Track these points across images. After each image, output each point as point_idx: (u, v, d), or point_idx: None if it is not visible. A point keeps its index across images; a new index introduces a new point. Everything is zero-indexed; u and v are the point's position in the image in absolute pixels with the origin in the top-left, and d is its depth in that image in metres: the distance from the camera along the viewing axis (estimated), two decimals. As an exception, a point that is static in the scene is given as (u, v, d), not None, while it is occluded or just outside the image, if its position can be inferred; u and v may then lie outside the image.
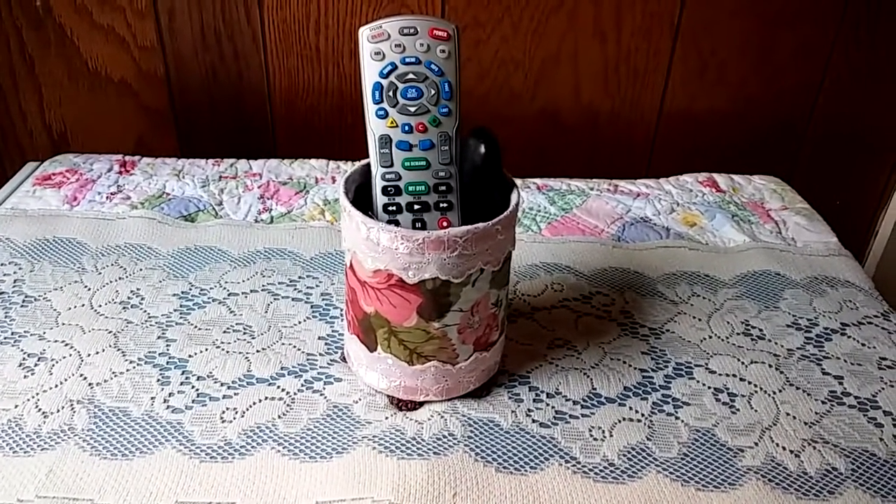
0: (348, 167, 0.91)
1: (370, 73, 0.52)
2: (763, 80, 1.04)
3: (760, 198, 0.91)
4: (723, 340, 0.67)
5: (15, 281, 0.69)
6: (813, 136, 1.08)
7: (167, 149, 1.07)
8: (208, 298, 0.69)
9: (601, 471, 0.54)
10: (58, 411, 0.56)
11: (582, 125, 1.06)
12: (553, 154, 1.09)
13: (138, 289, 0.69)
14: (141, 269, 0.72)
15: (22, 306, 0.66)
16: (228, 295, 0.69)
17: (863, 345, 0.67)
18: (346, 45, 1.00)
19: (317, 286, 0.71)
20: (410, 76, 0.52)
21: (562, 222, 0.84)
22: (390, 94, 0.52)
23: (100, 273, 0.71)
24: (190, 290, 0.70)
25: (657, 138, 1.08)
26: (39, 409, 0.56)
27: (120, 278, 0.71)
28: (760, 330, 0.68)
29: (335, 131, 1.07)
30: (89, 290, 0.69)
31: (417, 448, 0.54)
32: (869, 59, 1.03)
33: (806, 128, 1.08)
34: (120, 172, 0.89)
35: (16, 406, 0.56)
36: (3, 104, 1.05)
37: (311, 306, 0.68)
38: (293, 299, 0.69)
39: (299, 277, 0.72)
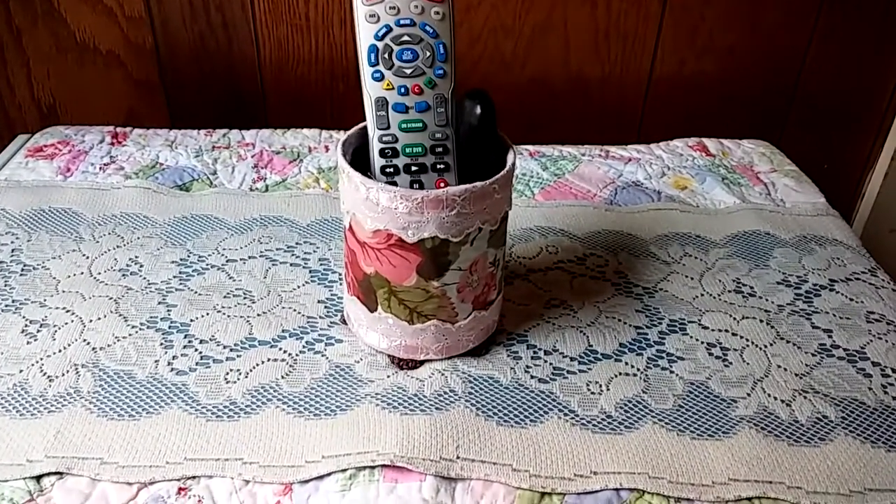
0: (342, 136, 0.91)
1: (365, 35, 0.52)
2: (751, 44, 1.04)
3: (750, 161, 0.92)
4: (715, 298, 0.68)
5: (13, 251, 0.70)
6: (801, 99, 1.09)
7: (158, 120, 1.07)
8: (207, 265, 0.69)
9: (599, 422, 0.55)
10: (63, 375, 0.57)
11: (573, 91, 1.07)
12: (544, 120, 1.09)
13: (136, 256, 0.70)
14: (138, 238, 0.72)
15: (21, 275, 0.67)
16: (227, 261, 0.70)
17: (851, 300, 0.68)
18: (336, 13, 1.00)
19: (314, 252, 0.72)
20: (405, 38, 0.52)
21: (555, 187, 0.85)
22: (386, 56, 0.52)
23: (97, 242, 0.71)
24: (188, 257, 0.70)
25: (647, 104, 1.08)
26: (44, 374, 0.57)
27: (118, 246, 0.71)
28: (751, 287, 0.70)
29: (326, 101, 1.07)
30: (87, 258, 0.69)
31: (420, 404, 0.55)
32: (854, 23, 1.04)
33: (794, 92, 1.09)
34: (112, 143, 0.89)
35: (20, 371, 0.57)
36: (-9, 77, 1.05)
37: (310, 271, 0.69)
38: (291, 265, 0.70)
39: (296, 244, 0.73)
